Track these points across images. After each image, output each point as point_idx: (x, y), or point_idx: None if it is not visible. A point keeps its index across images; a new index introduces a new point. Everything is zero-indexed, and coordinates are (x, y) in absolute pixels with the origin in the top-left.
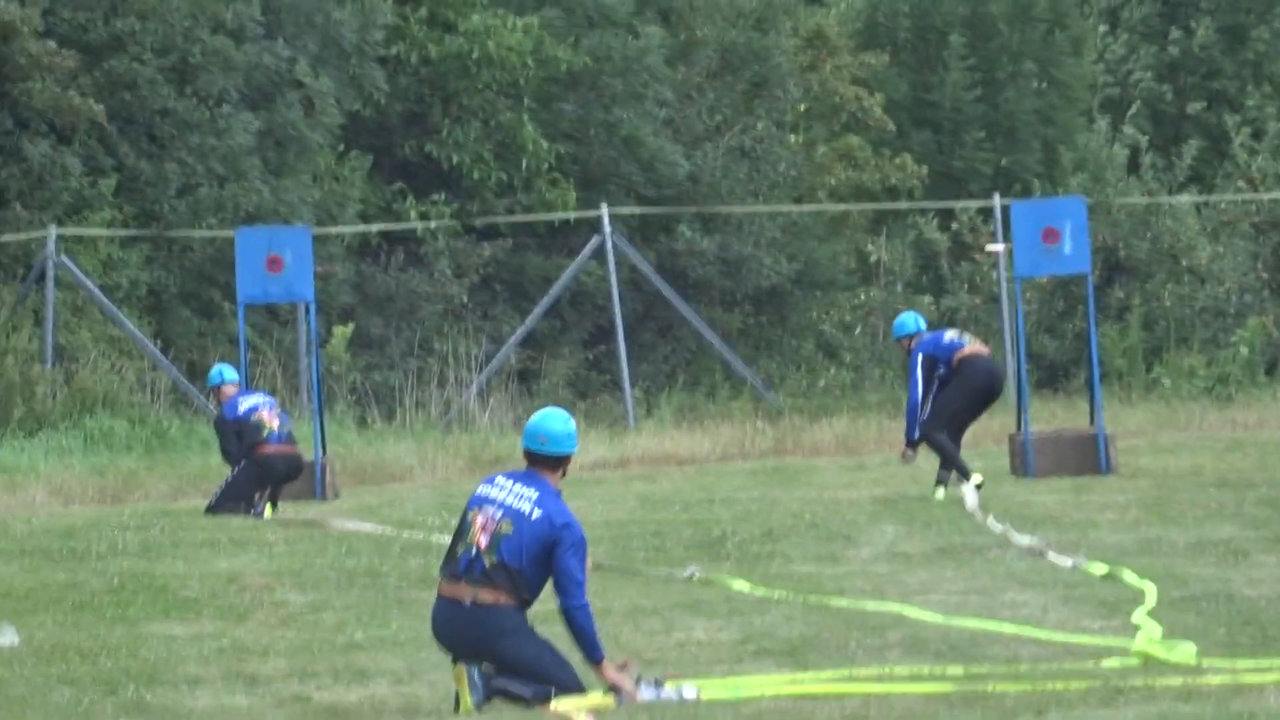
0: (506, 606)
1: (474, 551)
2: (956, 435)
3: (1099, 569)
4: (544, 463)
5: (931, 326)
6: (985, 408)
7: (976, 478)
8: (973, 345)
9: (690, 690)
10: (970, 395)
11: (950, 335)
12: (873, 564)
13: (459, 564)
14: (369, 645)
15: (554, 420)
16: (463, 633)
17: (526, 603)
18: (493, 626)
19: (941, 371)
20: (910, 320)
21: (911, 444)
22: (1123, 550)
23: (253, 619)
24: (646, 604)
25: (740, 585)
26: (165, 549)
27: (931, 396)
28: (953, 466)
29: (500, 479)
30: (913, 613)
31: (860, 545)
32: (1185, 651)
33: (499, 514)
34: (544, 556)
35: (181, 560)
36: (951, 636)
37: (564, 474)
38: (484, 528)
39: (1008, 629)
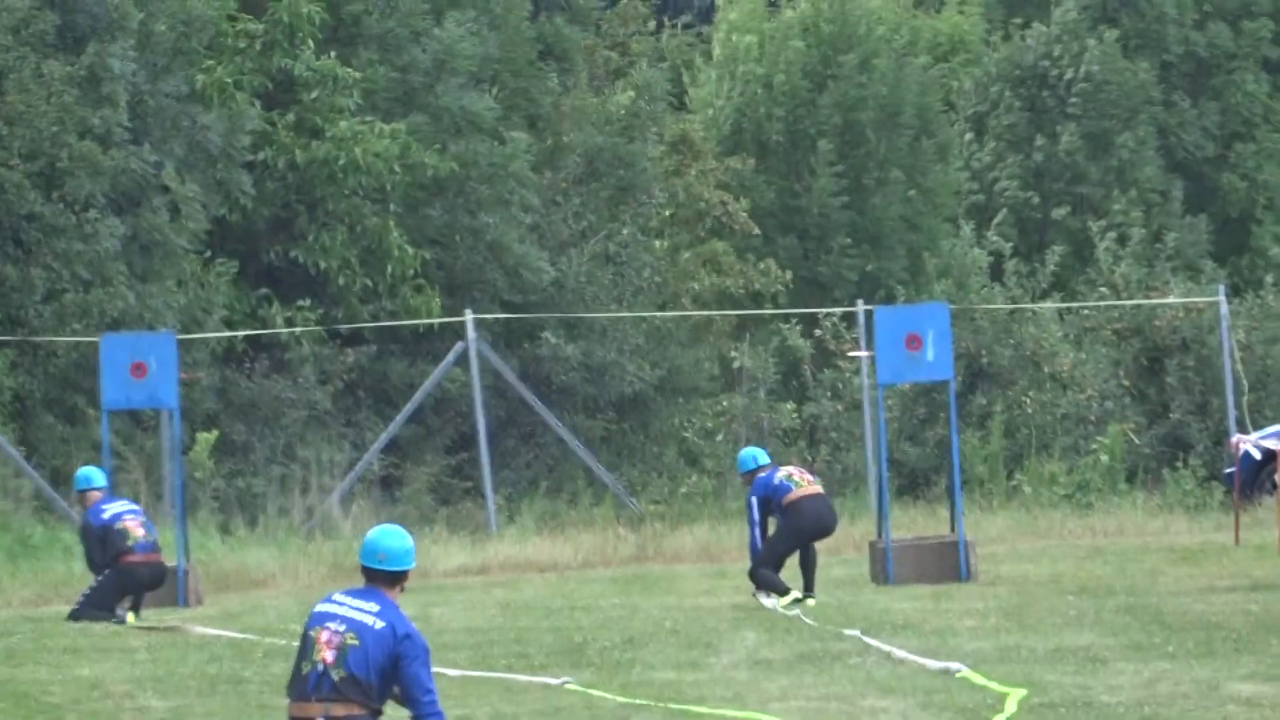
0: (360, 716)
1: (321, 668)
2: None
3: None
4: (383, 578)
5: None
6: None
7: (793, 594)
8: (801, 489)
9: None
10: (798, 537)
11: (780, 476)
12: (734, 670)
13: (307, 683)
14: None
15: (391, 537)
16: None
17: (378, 713)
18: None
19: (774, 513)
20: (748, 457)
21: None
22: (982, 657)
23: None
24: (508, 710)
25: (609, 695)
26: (28, 655)
27: (762, 538)
28: (772, 589)
29: (339, 596)
30: None
31: (721, 652)
32: None
33: (342, 628)
34: (390, 667)
35: (45, 666)
36: None
37: (402, 589)
38: (329, 643)
39: None
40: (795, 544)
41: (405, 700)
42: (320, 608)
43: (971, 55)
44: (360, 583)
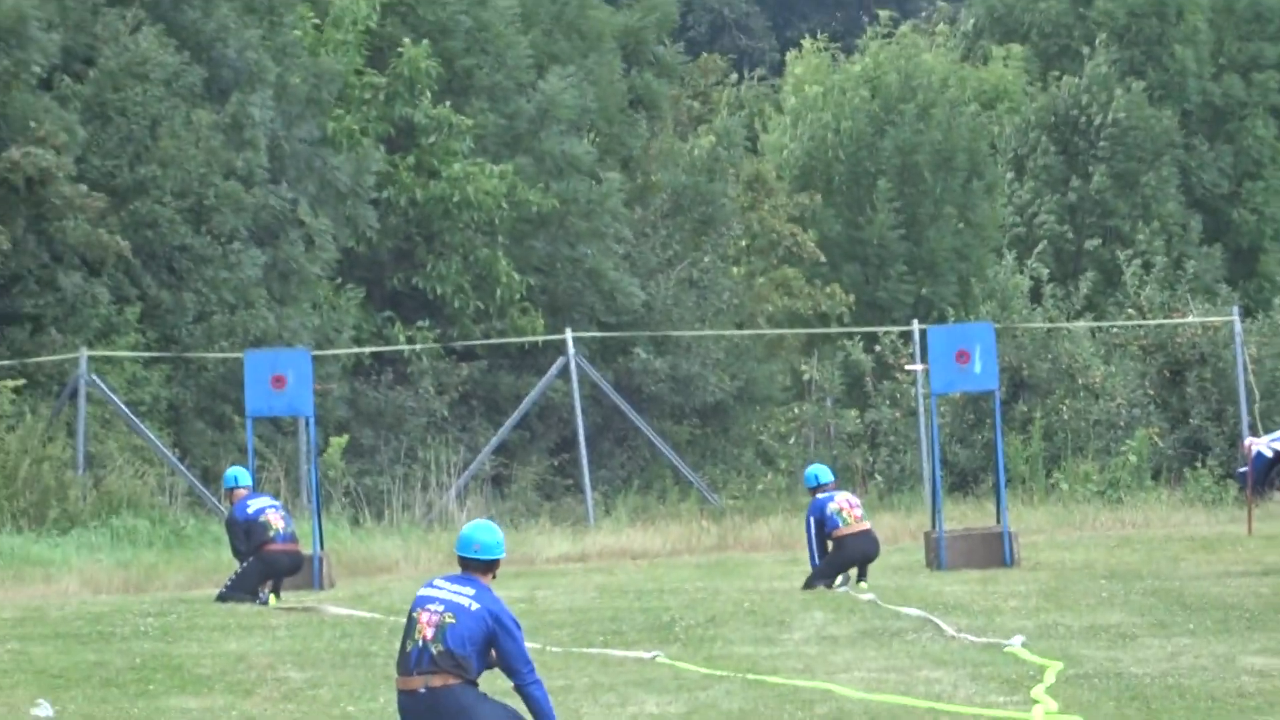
0: (456, 685)
1: (421, 644)
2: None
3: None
4: (477, 567)
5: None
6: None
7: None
8: (849, 526)
9: None
10: (845, 565)
11: (832, 509)
12: (804, 645)
13: (410, 660)
14: (360, 717)
15: (485, 532)
16: (426, 716)
17: (473, 684)
18: (451, 705)
19: (829, 531)
20: (811, 475)
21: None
22: (1024, 633)
23: (258, 694)
24: (604, 681)
25: (694, 667)
26: (181, 632)
27: (818, 553)
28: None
29: (439, 581)
30: (839, 689)
31: (793, 629)
32: None
33: (441, 608)
34: (484, 643)
35: (196, 642)
36: (873, 709)
37: (494, 576)
38: (429, 623)
39: (923, 703)
40: (843, 569)
41: (507, 672)
42: (422, 592)
43: (1013, 103)
44: (458, 571)
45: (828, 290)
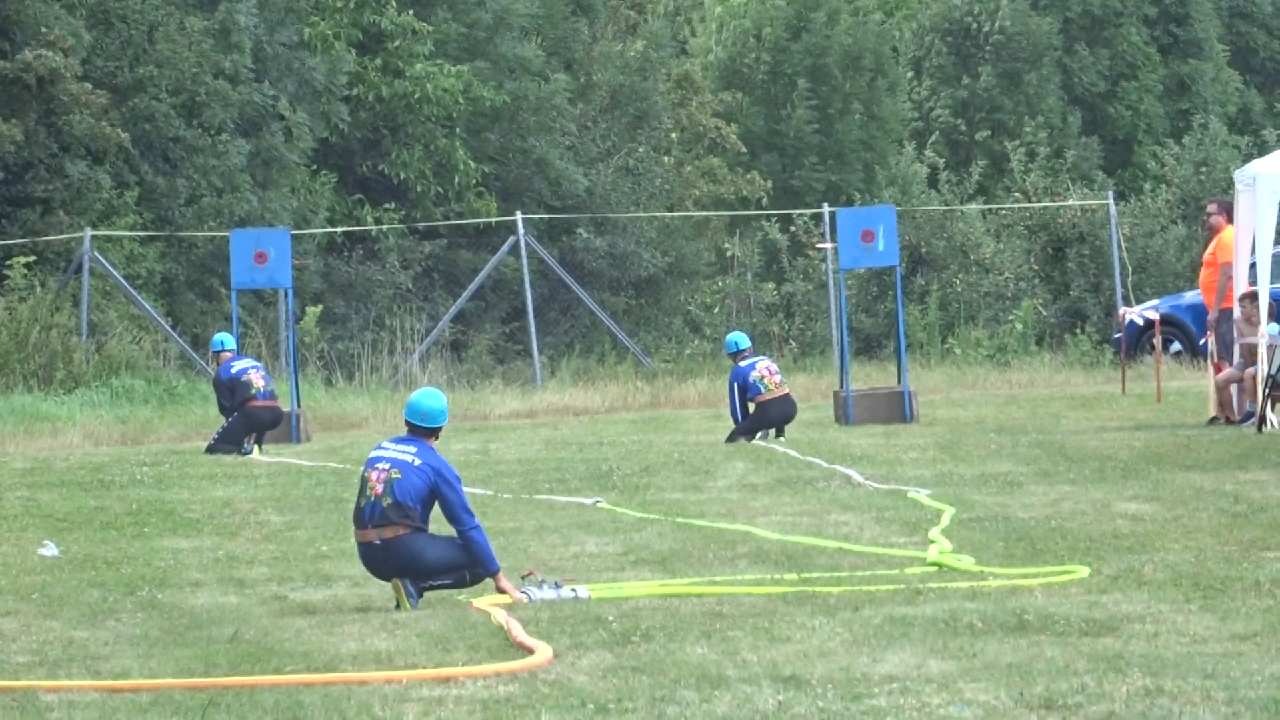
0: (406, 534)
1: (373, 499)
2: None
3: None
4: (422, 432)
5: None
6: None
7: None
8: (770, 393)
9: (584, 590)
10: (766, 426)
11: (754, 376)
12: (726, 493)
13: (364, 515)
14: (333, 556)
15: (431, 398)
16: (382, 564)
17: (421, 530)
18: (403, 552)
19: (751, 396)
20: (731, 342)
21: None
22: (922, 482)
23: (242, 535)
24: (550, 524)
25: (630, 511)
26: (174, 481)
27: (741, 413)
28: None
29: (386, 443)
30: (758, 531)
31: (717, 478)
32: (969, 561)
33: (388, 466)
34: (429, 495)
35: (186, 489)
36: (788, 549)
37: (436, 439)
38: (378, 480)
39: (831, 543)
40: (764, 429)
41: (450, 520)
42: (371, 454)
43: (911, 11)
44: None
45: (748, 177)
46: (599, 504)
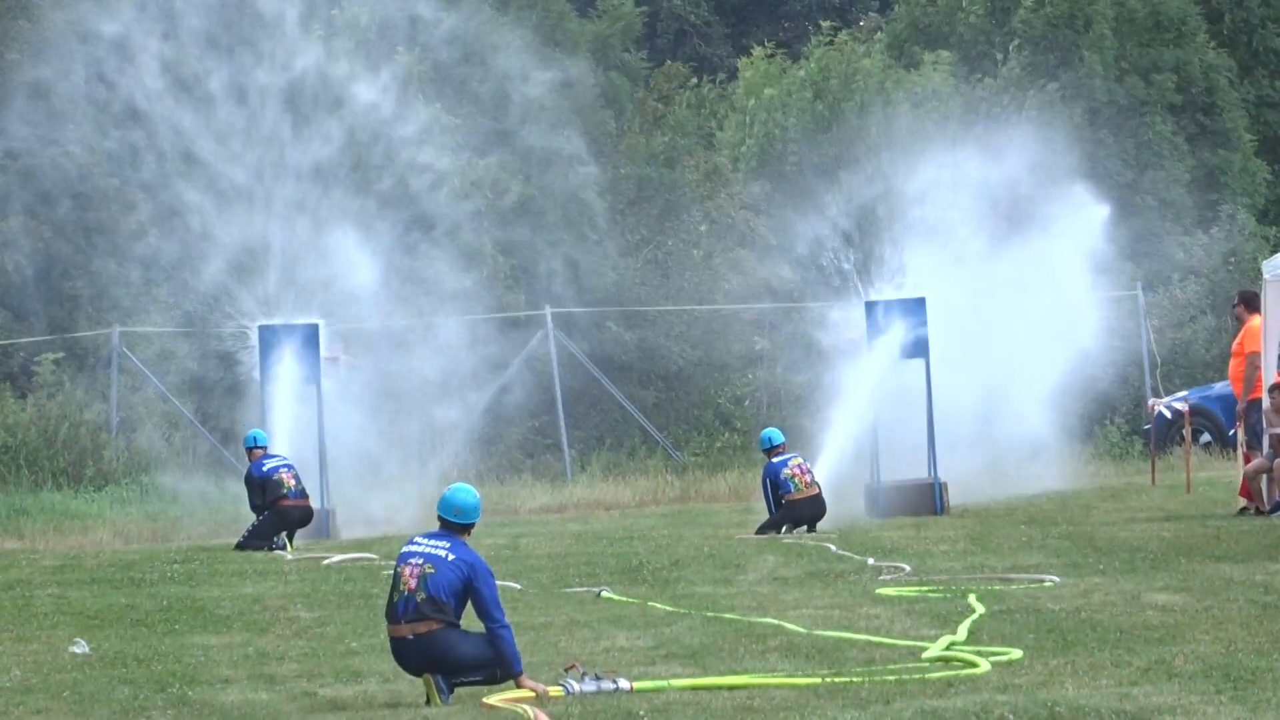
0: (439, 629)
1: (406, 594)
2: None
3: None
4: (455, 528)
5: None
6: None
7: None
8: (800, 492)
9: (625, 682)
10: (795, 524)
11: (786, 474)
12: (757, 586)
13: (397, 609)
14: (363, 652)
15: (464, 494)
16: (415, 659)
17: (454, 625)
18: (436, 647)
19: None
20: (765, 438)
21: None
22: (953, 573)
23: (272, 631)
24: (580, 618)
25: (613, 596)
26: (204, 577)
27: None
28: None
29: (419, 538)
30: (788, 625)
31: (748, 571)
32: (1004, 654)
33: (421, 561)
34: (462, 590)
35: (216, 586)
36: (819, 643)
37: (469, 534)
38: (411, 574)
39: (860, 636)
40: (794, 526)
41: (480, 616)
42: (404, 549)
43: (940, 104)
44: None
45: (779, 270)
46: (602, 593)
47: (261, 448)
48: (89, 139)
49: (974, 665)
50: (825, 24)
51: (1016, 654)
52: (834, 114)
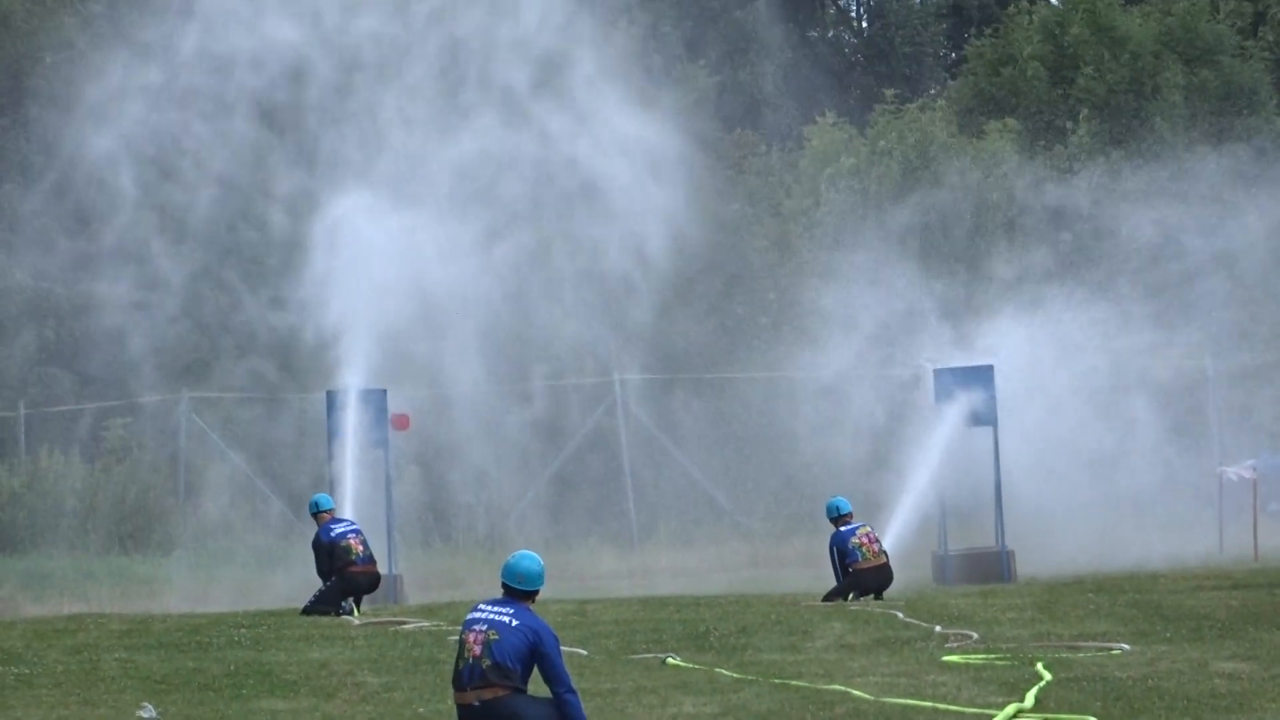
0: (505, 696)
1: (471, 661)
2: None
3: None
4: (519, 595)
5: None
6: None
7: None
8: (867, 561)
9: None
10: (863, 593)
11: (853, 543)
12: (824, 653)
13: (463, 676)
14: (431, 717)
15: (529, 560)
16: None
17: (521, 691)
18: (502, 713)
19: (849, 564)
20: (832, 507)
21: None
22: (1021, 641)
23: (339, 697)
24: (647, 684)
25: (680, 663)
26: (271, 642)
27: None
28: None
29: (483, 605)
30: (856, 692)
31: (815, 638)
32: None
33: (485, 628)
34: (528, 655)
35: (283, 651)
36: (886, 710)
37: (534, 601)
38: (475, 641)
39: (927, 703)
40: (860, 594)
41: (546, 681)
42: (469, 616)
43: (1002, 175)
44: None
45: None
46: (669, 660)
47: (327, 511)
48: None
49: None
50: (888, 92)
51: None
52: (908, 181)
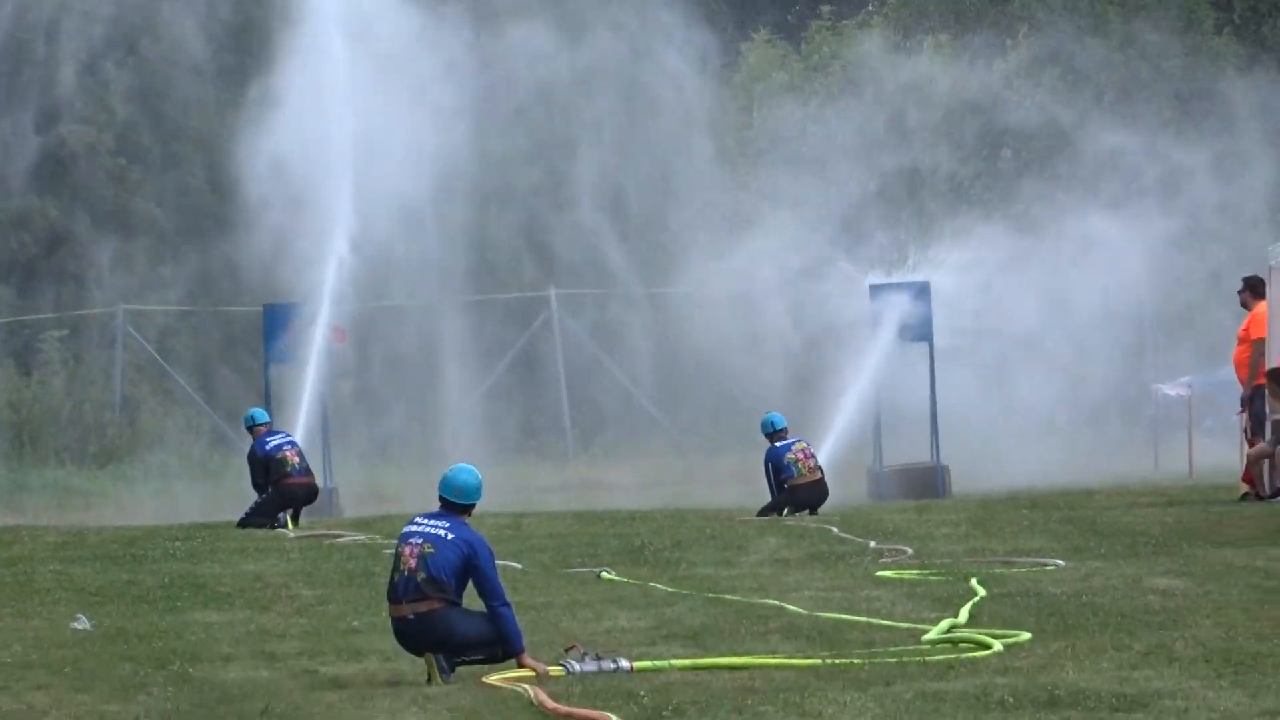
0: (440, 609)
1: (406, 574)
2: None
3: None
4: (456, 508)
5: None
6: None
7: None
8: (803, 476)
9: (625, 662)
10: (797, 508)
11: (789, 458)
12: (759, 568)
13: (398, 589)
14: (364, 630)
15: (466, 474)
16: (415, 638)
17: (455, 604)
18: (436, 626)
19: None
20: (767, 422)
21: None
22: (955, 557)
23: (273, 609)
24: (581, 598)
25: (614, 577)
26: (205, 555)
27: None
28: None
29: (419, 518)
30: (789, 606)
31: (750, 553)
32: (1008, 637)
33: (421, 541)
34: (463, 569)
35: (218, 564)
36: (820, 624)
37: (470, 515)
38: (411, 554)
39: (861, 619)
40: (795, 509)
41: (482, 595)
42: (405, 529)
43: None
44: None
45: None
46: (604, 574)
47: (263, 425)
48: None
49: (988, 646)
50: (825, 9)
51: (1025, 636)
52: (844, 100)
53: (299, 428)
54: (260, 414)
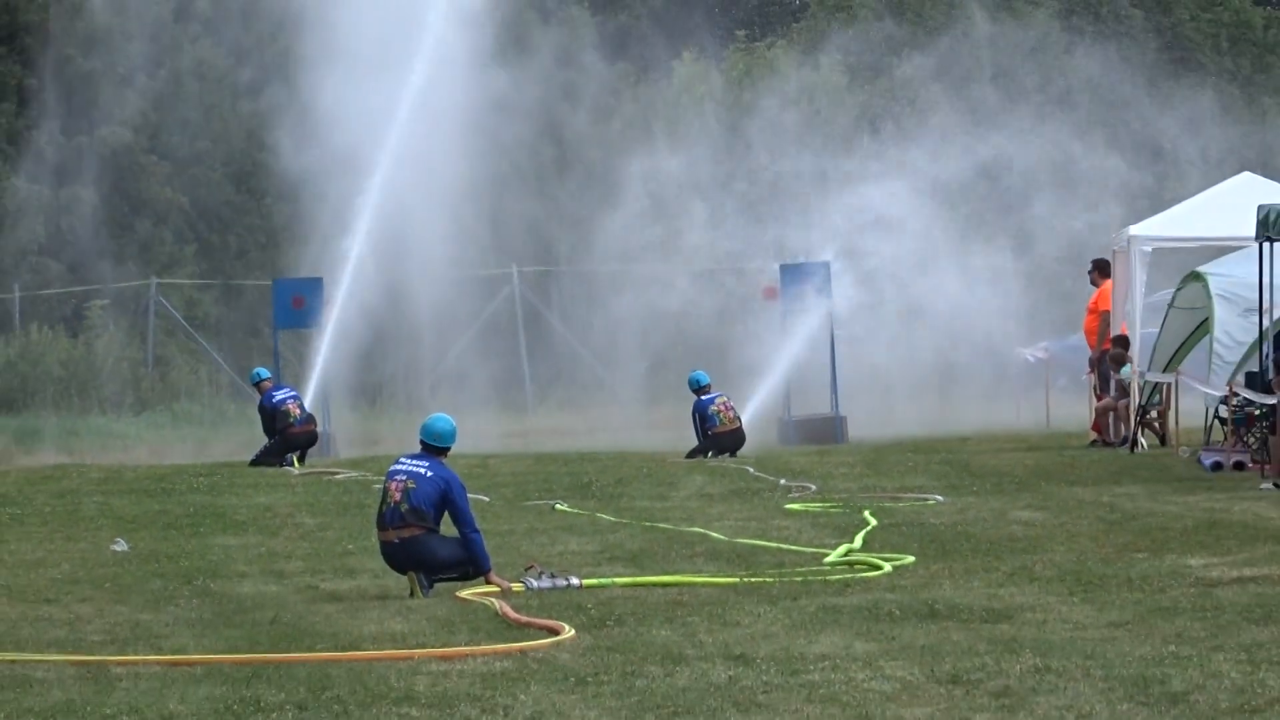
0: (420, 534)
1: (392, 505)
2: None
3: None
4: (434, 450)
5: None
6: None
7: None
8: (725, 425)
9: (576, 580)
10: (719, 452)
11: (713, 410)
12: (687, 501)
13: (385, 518)
14: (358, 553)
15: (442, 421)
16: (400, 559)
17: (433, 531)
18: (417, 550)
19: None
20: (693, 380)
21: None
22: (851, 493)
23: (281, 535)
24: (539, 526)
25: (566, 509)
26: (224, 489)
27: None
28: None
29: (403, 459)
30: (713, 533)
31: (680, 489)
32: (896, 560)
33: (405, 478)
34: (440, 501)
35: (235, 496)
36: (738, 549)
37: (446, 456)
38: (396, 489)
39: (773, 544)
40: (718, 453)
41: (456, 523)
42: (391, 468)
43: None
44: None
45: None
46: (557, 506)
47: (267, 380)
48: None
49: (879, 568)
50: (740, 33)
51: (909, 559)
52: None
53: (311, 384)
54: (263, 371)
